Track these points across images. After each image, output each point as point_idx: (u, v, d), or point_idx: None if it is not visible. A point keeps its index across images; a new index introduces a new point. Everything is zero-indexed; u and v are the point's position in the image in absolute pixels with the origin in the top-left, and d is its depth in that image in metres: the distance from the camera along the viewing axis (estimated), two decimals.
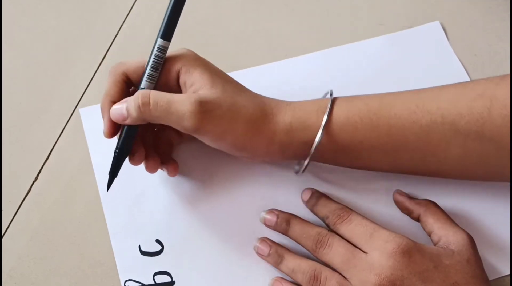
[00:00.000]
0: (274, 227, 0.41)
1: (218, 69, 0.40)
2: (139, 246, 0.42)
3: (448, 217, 0.40)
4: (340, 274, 0.37)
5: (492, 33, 0.51)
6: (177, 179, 0.44)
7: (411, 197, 0.42)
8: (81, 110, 0.48)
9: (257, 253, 0.41)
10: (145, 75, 0.38)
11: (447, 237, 0.38)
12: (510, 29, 0.51)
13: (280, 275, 0.41)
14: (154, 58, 0.38)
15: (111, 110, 0.38)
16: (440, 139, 0.38)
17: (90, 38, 0.52)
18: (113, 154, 0.39)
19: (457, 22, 0.52)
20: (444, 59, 0.50)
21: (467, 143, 0.37)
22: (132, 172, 0.42)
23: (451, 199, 0.43)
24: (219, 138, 0.38)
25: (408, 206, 0.41)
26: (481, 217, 0.43)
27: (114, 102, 0.39)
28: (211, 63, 0.40)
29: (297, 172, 0.43)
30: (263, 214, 0.42)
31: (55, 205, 0.44)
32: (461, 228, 0.39)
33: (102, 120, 0.39)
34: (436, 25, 0.51)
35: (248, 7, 0.54)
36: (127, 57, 0.50)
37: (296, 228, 0.40)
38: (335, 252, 0.37)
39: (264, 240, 0.41)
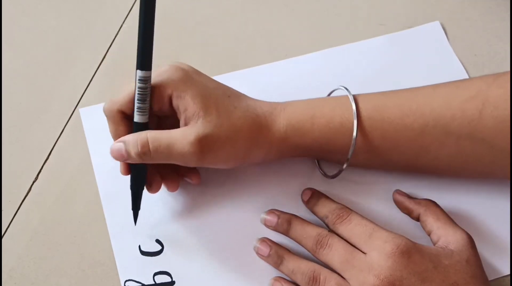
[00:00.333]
0: (275, 228, 0.41)
1: (208, 83, 0.39)
2: (139, 246, 0.42)
3: (448, 216, 0.40)
4: (340, 274, 0.37)
5: (492, 33, 0.51)
6: None
7: (411, 197, 0.42)
8: (81, 110, 0.48)
9: (257, 253, 0.41)
10: (135, 109, 0.38)
11: (447, 236, 0.38)
12: (510, 29, 0.51)
13: (280, 275, 0.41)
14: (138, 90, 0.37)
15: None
16: (432, 141, 0.38)
17: (90, 38, 0.52)
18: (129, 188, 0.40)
19: (457, 22, 0.52)
20: (444, 59, 0.50)
21: (459, 143, 0.38)
22: None
23: (451, 199, 0.43)
24: (221, 164, 0.39)
25: (408, 206, 0.42)
26: (481, 217, 0.43)
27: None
28: (200, 78, 0.39)
29: (332, 176, 0.43)
30: (263, 215, 0.42)
31: (55, 205, 0.44)
32: (461, 228, 0.39)
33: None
34: (436, 25, 0.51)
35: (248, 7, 0.54)
36: (127, 57, 0.50)
37: (297, 228, 0.40)
38: (335, 252, 0.37)
39: (264, 240, 0.41)
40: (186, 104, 0.37)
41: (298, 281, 0.38)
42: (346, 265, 0.37)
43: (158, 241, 0.42)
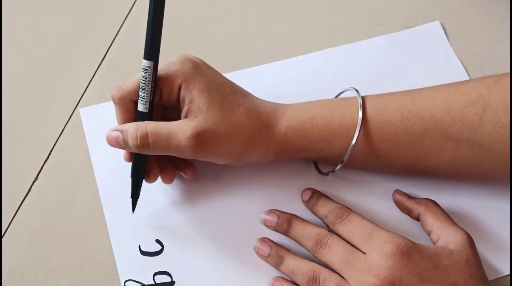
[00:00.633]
0: (275, 228, 0.41)
1: (217, 78, 0.40)
2: (139, 246, 0.42)
3: (448, 216, 0.40)
4: (340, 274, 0.37)
5: (492, 33, 0.51)
6: (177, 179, 0.44)
7: (410, 197, 0.42)
8: (81, 110, 0.48)
9: (257, 253, 0.41)
10: (139, 98, 0.38)
11: (446, 236, 0.38)
12: (510, 29, 0.51)
13: (280, 275, 0.41)
14: (141, 79, 0.38)
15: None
16: (432, 145, 0.38)
17: (90, 38, 0.52)
18: (129, 177, 0.41)
19: (457, 22, 0.52)
20: (444, 59, 0.50)
21: (458, 148, 0.38)
22: None
23: (451, 199, 0.43)
24: (216, 159, 0.40)
25: (408, 206, 0.42)
26: (481, 217, 0.43)
27: None
28: (209, 71, 0.40)
29: (326, 173, 0.43)
30: (263, 215, 0.42)
31: (55, 205, 0.44)
32: (461, 228, 0.39)
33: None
34: (436, 25, 0.51)
35: (248, 7, 0.54)
36: (127, 57, 0.50)
37: (297, 228, 0.40)
38: (334, 252, 0.37)
39: (264, 240, 0.41)
40: (192, 96, 0.38)
41: (298, 281, 0.38)
42: (346, 265, 0.37)
43: (158, 241, 0.42)
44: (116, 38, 0.52)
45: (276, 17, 0.53)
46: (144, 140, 0.37)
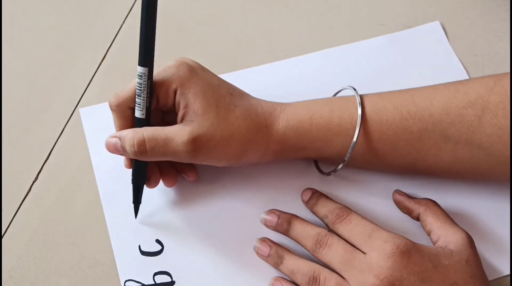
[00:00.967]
0: (275, 228, 0.41)
1: (212, 80, 0.39)
2: (139, 246, 0.42)
3: (448, 216, 0.40)
4: (340, 274, 0.37)
5: (492, 33, 0.51)
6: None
7: (410, 197, 0.42)
8: (81, 110, 0.48)
9: (257, 253, 0.41)
10: (135, 105, 0.38)
11: (446, 236, 0.38)
12: (510, 29, 0.51)
13: (280, 275, 0.41)
14: (137, 85, 0.38)
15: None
16: (431, 145, 0.38)
17: (90, 38, 0.52)
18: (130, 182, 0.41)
19: (457, 22, 0.52)
20: (444, 59, 0.50)
21: (457, 149, 0.38)
22: None
23: (451, 198, 0.43)
24: (214, 162, 0.40)
25: (408, 206, 0.42)
26: (481, 217, 0.43)
27: None
28: (205, 74, 0.39)
29: (327, 173, 0.43)
30: (263, 215, 0.42)
31: (55, 205, 0.44)
32: (461, 228, 0.39)
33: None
34: (436, 25, 0.51)
35: (248, 7, 0.54)
36: (127, 57, 0.50)
37: (297, 228, 0.40)
38: (334, 252, 0.37)
39: (264, 240, 0.41)
40: (187, 101, 0.38)
41: (298, 281, 0.38)
42: (346, 265, 0.37)
43: (158, 241, 0.42)
44: (116, 38, 0.52)
45: (276, 17, 0.53)
46: (142, 146, 0.37)
